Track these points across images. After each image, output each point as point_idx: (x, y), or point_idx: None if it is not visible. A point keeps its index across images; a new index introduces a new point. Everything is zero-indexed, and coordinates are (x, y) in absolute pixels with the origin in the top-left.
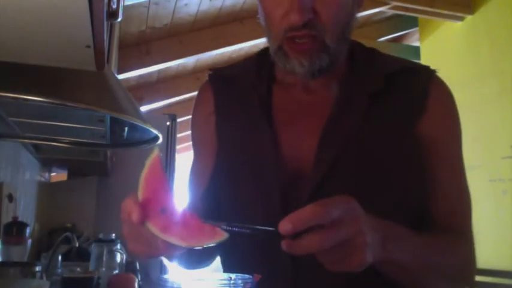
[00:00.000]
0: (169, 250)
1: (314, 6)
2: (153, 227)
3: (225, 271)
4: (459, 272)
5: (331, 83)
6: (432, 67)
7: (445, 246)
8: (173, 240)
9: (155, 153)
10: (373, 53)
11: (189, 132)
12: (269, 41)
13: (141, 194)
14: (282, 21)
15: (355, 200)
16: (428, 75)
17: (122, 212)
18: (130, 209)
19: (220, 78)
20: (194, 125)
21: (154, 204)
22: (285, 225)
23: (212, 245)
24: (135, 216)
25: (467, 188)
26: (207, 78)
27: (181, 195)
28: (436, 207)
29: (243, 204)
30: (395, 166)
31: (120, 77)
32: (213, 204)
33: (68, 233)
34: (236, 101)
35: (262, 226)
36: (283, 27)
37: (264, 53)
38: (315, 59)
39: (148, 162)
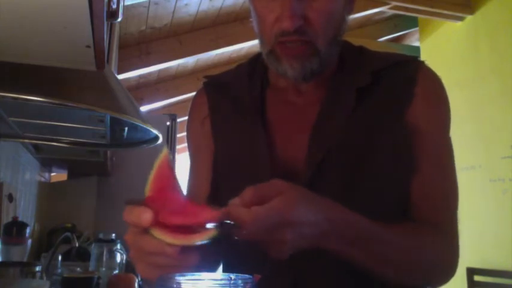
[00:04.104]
0: (183, 259)
1: (305, 12)
2: (157, 232)
3: (225, 271)
4: (430, 267)
5: (322, 84)
6: (432, 67)
7: (413, 241)
8: (176, 241)
9: (164, 153)
10: (360, 51)
11: None
12: (261, 44)
13: (148, 194)
14: (274, 26)
15: (297, 202)
16: (416, 64)
17: (128, 238)
18: (135, 217)
19: (215, 84)
20: (190, 130)
21: (162, 205)
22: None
23: (210, 232)
24: (145, 218)
25: (452, 177)
26: (201, 85)
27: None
28: (414, 195)
29: None
30: (385, 159)
31: (120, 77)
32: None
33: (68, 233)
34: (230, 104)
35: None
36: (275, 32)
37: (256, 58)
38: (306, 62)
39: (158, 162)
